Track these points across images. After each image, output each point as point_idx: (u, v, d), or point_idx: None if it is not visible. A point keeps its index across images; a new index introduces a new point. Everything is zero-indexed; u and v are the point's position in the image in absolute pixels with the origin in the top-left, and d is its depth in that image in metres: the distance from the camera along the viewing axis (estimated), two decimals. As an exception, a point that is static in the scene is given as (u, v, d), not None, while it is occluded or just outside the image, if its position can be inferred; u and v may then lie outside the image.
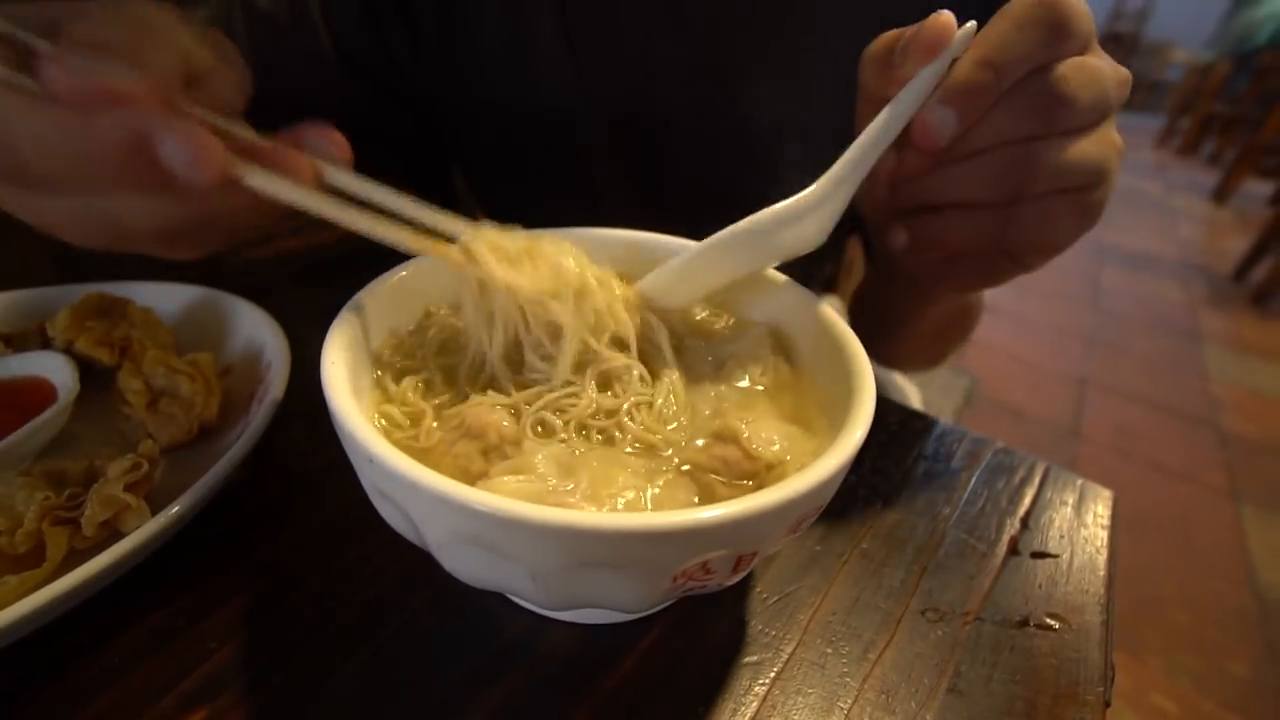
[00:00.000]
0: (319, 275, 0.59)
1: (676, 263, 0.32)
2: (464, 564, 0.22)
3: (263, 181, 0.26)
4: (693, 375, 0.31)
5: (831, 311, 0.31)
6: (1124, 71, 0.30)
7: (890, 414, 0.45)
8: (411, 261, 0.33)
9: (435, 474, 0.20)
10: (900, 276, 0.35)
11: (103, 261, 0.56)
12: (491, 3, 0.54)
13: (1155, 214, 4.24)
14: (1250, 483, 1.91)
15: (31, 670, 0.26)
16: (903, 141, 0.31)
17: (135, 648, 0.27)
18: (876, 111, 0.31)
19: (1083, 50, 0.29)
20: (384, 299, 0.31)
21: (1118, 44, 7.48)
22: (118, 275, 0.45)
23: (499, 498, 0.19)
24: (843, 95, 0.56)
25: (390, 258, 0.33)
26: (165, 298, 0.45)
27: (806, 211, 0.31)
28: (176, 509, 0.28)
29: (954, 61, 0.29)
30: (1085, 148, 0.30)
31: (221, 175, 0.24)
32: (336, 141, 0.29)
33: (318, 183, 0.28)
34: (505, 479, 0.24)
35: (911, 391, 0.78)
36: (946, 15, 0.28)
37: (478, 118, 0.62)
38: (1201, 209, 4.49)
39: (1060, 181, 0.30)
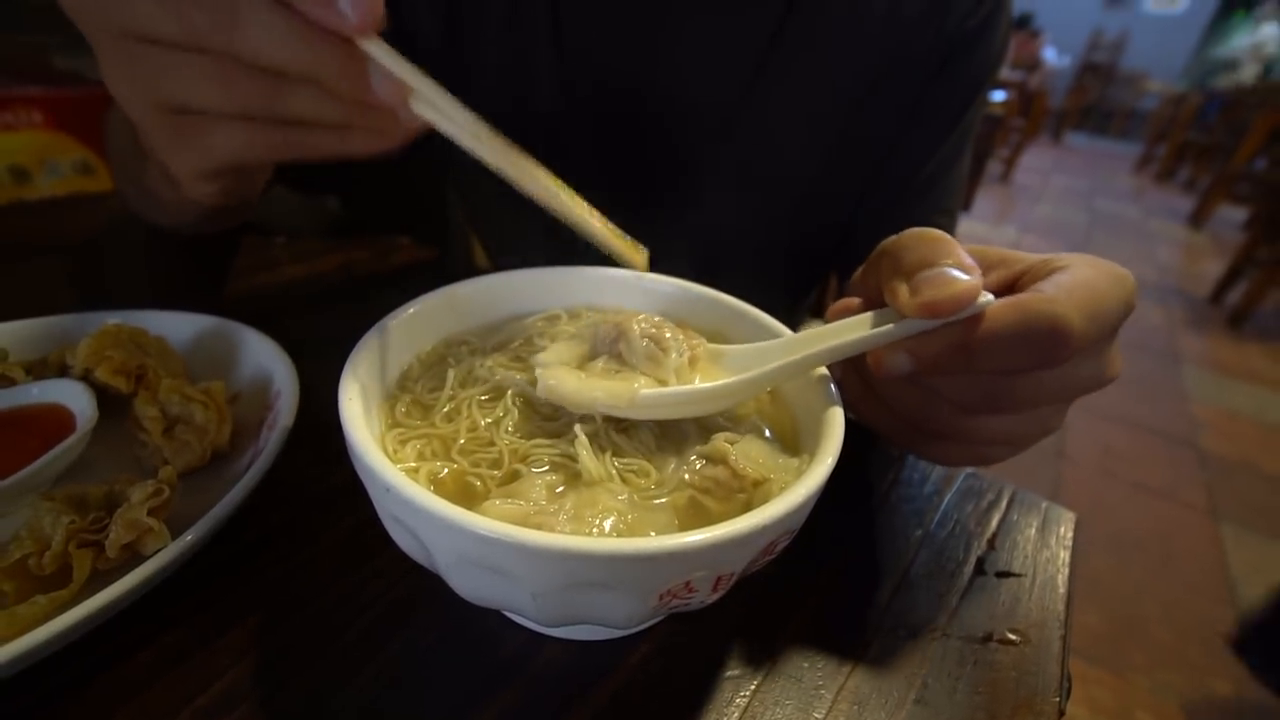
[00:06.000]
0: (322, 302, 0.61)
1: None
2: (471, 584, 0.24)
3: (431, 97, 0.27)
4: None
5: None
6: (1112, 372, 0.30)
7: (866, 440, 0.48)
8: (421, 298, 0.36)
9: (445, 502, 0.22)
10: None
11: (119, 288, 0.59)
12: (489, 27, 0.58)
13: (1134, 238, 4.36)
14: (1229, 501, 1.95)
15: (48, 689, 0.28)
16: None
17: (152, 665, 0.29)
18: (872, 285, 0.32)
19: (1078, 355, 0.27)
20: (395, 334, 0.33)
21: (1094, 74, 7.74)
22: (132, 303, 0.47)
23: (504, 525, 0.21)
24: (821, 128, 0.60)
25: (384, 285, 0.36)
26: (176, 326, 0.47)
27: (731, 397, 0.32)
28: (197, 533, 0.30)
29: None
30: (1010, 426, 0.32)
31: (375, 26, 0.25)
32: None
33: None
34: (495, 502, 0.26)
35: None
36: (969, 286, 0.26)
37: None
38: (1178, 233, 4.62)
39: (970, 439, 0.32)
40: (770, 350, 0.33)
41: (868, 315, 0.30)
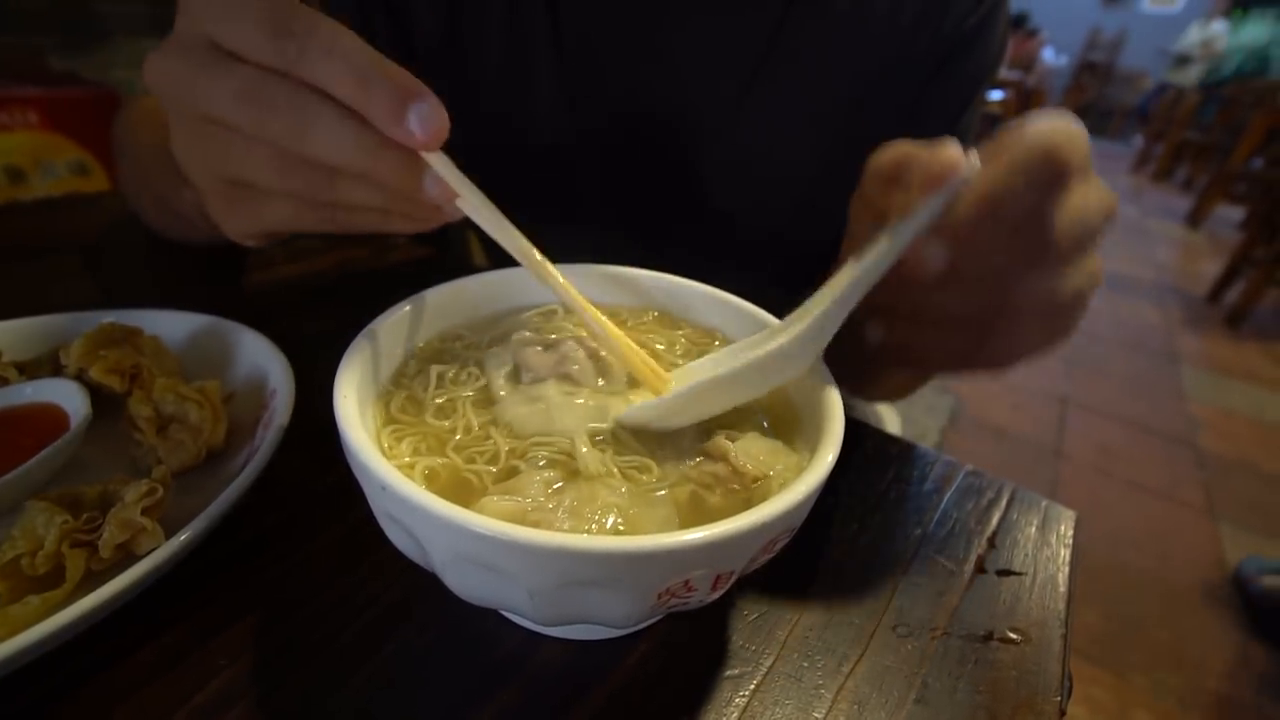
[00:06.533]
0: (318, 300, 0.61)
1: (671, 398, 0.31)
2: (467, 582, 0.24)
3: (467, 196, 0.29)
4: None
5: None
6: (1111, 200, 0.31)
7: (866, 438, 0.48)
8: (417, 294, 0.35)
9: (441, 499, 0.22)
10: (867, 351, 0.37)
11: (115, 288, 0.58)
12: (489, 27, 0.58)
13: (1132, 237, 4.37)
14: (1226, 501, 1.95)
15: (44, 689, 0.28)
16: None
17: (148, 665, 0.29)
18: (869, 218, 0.32)
19: (1076, 181, 0.29)
20: (391, 331, 0.33)
21: (1092, 73, 7.75)
22: (128, 303, 0.47)
23: (500, 522, 0.21)
24: (820, 128, 0.60)
25: (381, 283, 0.36)
26: (171, 325, 0.47)
27: (799, 350, 0.30)
28: (191, 532, 0.30)
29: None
30: (1064, 280, 0.31)
31: (441, 142, 0.27)
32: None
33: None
34: (494, 499, 0.26)
35: (888, 416, 0.81)
36: (954, 150, 0.27)
37: (468, 150, 0.65)
38: (1176, 233, 4.63)
39: (1036, 308, 0.32)
40: (809, 306, 0.31)
41: (865, 246, 0.29)
